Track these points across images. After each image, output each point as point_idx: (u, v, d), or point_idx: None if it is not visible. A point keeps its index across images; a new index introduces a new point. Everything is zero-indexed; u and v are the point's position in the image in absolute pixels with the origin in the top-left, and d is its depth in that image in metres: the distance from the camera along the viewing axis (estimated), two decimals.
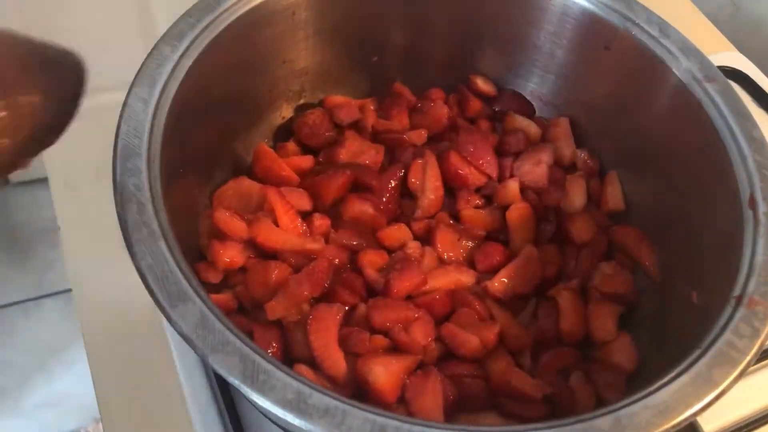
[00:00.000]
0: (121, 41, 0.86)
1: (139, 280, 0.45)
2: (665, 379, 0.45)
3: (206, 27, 0.58)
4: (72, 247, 0.73)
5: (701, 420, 0.63)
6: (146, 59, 0.55)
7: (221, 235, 0.60)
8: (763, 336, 0.47)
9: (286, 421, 0.42)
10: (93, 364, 0.66)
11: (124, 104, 0.53)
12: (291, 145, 0.71)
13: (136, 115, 0.52)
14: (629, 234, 0.67)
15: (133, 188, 0.49)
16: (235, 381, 0.42)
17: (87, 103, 0.87)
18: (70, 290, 0.71)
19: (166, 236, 0.47)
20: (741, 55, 0.96)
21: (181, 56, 0.56)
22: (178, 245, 0.47)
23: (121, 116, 0.52)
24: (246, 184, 0.65)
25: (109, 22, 0.93)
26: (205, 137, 0.62)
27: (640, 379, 0.58)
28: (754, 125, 0.58)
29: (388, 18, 0.72)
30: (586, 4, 0.66)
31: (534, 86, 0.76)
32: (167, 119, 0.53)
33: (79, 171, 0.77)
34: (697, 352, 0.46)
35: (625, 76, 0.67)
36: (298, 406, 0.41)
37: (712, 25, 1.03)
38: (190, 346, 0.43)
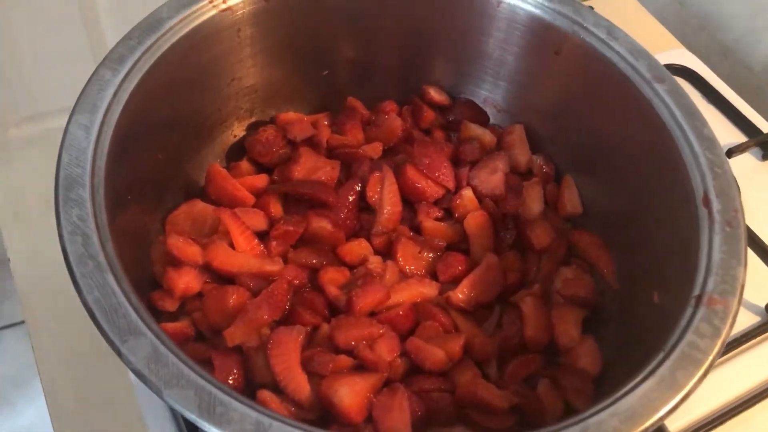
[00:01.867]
0: (70, 63, 0.83)
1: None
2: (630, 385, 0.45)
3: (148, 48, 0.57)
4: (23, 278, 0.71)
5: (667, 420, 0.62)
6: (86, 85, 0.54)
7: (176, 262, 0.59)
8: (724, 335, 0.47)
9: None
10: (49, 397, 0.64)
11: (65, 132, 0.51)
12: (244, 164, 0.70)
13: (77, 143, 0.50)
14: (587, 240, 0.67)
15: (77, 220, 0.47)
16: (191, 415, 0.40)
17: (36, 128, 0.85)
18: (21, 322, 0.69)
19: (114, 268, 0.45)
20: (689, 52, 0.98)
21: (123, 80, 0.55)
22: (126, 277, 0.46)
23: (62, 145, 0.50)
24: (199, 207, 0.64)
25: (57, 44, 0.91)
26: (153, 161, 0.60)
27: (606, 382, 0.58)
28: (704, 123, 0.58)
29: (335, 31, 0.71)
30: (534, 10, 0.67)
31: (486, 93, 0.76)
32: (111, 145, 0.52)
33: (28, 201, 0.75)
34: (660, 355, 0.46)
35: (576, 80, 0.68)
36: None
37: (659, 23, 1.04)
38: (143, 381, 0.41)
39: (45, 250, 0.67)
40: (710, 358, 0.46)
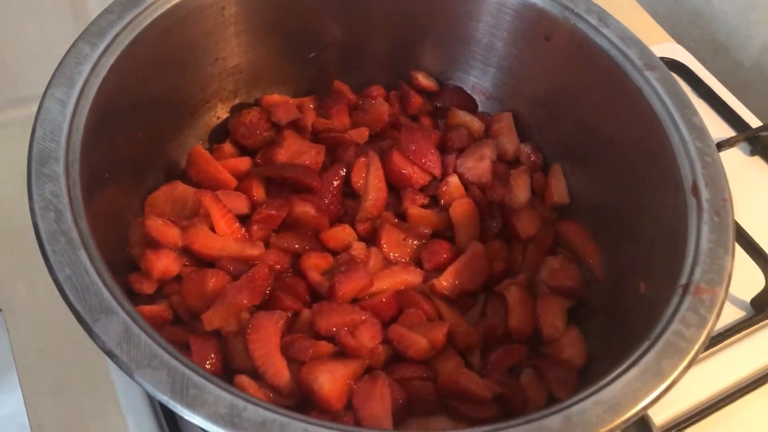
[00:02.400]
0: (56, 48, 0.82)
1: None
2: (615, 374, 0.44)
3: (129, 23, 0.55)
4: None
5: (651, 412, 0.62)
6: (63, 58, 0.52)
7: (154, 244, 0.57)
8: (710, 324, 0.46)
9: None
10: (25, 387, 0.62)
11: (40, 106, 0.49)
12: (227, 147, 0.68)
13: (52, 117, 0.49)
14: (573, 230, 0.66)
15: (50, 195, 0.45)
16: (163, 397, 0.39)
17: (19, 113, 0.83)
18: None
19: (87, 245, 0.44)
20: (679, 46, 0.97)
21: (102, 54, 0.53)
22: (101, 256, 0.44)
23: (36, 119, 0.49)
24: (180, 188, 0.62)
25: (43, 28, 0.88)
26: (132, 140, 0.59)
27: (590, 372, 0.57)
28: (694, 112, 0.57)
29: (324, 12, 0.70)
30: None
31: (475, 80, 0.75)
32: (88, 121, 0.50)
33: (6, 183, 0.73)
34: (646, 344, 0.45)
35: (566, 67, 0.67)
36: (231, 421, 0.39)
37: (651, 18, 1.04)
38: (114, 361, 0.40)
39: (22, 233, 0.65)
40: (696, 347, 0.45)
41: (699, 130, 0.56)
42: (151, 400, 0.60)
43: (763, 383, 0.67)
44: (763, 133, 0.86)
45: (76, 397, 0.62)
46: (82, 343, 0.62)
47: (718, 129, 0.89)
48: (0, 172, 0.73)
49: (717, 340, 0.68)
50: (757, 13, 1.01)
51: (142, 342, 0.41)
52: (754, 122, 0.89)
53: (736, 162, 0.86)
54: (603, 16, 0.63)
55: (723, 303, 0.47)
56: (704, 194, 0.53)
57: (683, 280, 0.49)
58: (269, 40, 0.69)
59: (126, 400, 0.60)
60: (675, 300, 0.48)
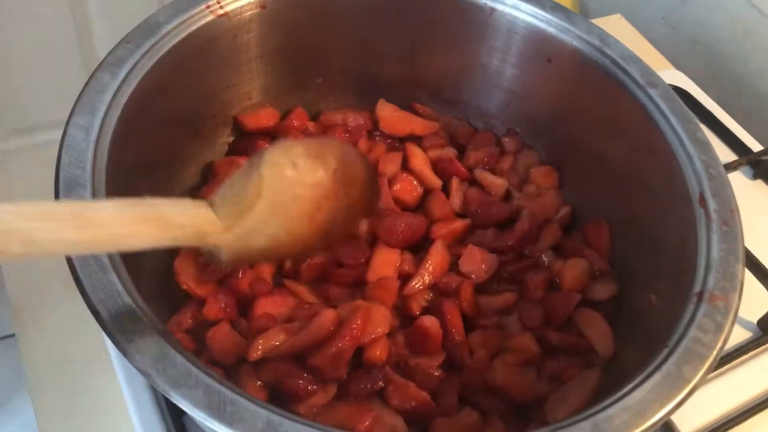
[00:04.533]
0: (62, 78, 0.83)
1: (86, 320, 0.43)
2: (638, 380, 0.45)
3: (146, 52, 0.57)
4: (16, 288, 0.69)
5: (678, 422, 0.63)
6: (85, 87, 0.53)
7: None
8: (726, 330, 0.47)
9: None
10: (38, 409, 0.62)
11: (64, 134, 0.50)
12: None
13: (77, 144, 0.50)
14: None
15: None
16: (201, 414, 0.39)
17: (25, 142, 0.84)
18: (12, 335, 0.67)
19: (117, 269, 0.45)
20: (680, 72, 0.99)
21: (122, 83, 0.54)
22: (130, 277, 0.45)
23: (61, 147, 0.50)
24: None
25: (50, 57, 0.89)
26: (152, 163, 0.60)
27: (612, 377, 0.58)
28: (697, 127, 0.59)
29: (332, 38, 0.71)
30: (526, 18, 0.67)
31: (481, 103, 0.76)
32: (111, 147, 0.51)
33: None
34: (665, 351, 0.46)
35: (569, 87, 0.68)
36: None
37: (652, 46, 1.06)
38: (150, 381, 0.41)
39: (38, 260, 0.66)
40: (714, 352, 0.46)
41: (703, 145, 0.58)
42: (166, 423, 0.60)
43: None
44: (765, 157, 0.87)
45: (88, 418, 0.62)
46: (95, 366, 0.64)
47: (720, 153, 0.87)
48: (9, 197, 0.73)
49: (725, 360, 0.69)
50: (754, 41, 1.03)
51: (177, 362, 0.41)
52: (755, 146, 0.91)
53: (739, 185, 0.84)
54: (603, 36, 0.65)
55: (737, 310, 0.49)
56: (712, 205, 0.54)
57: (697, 289, 0.50)
58: (279, 67, 0.70)
59: (140, 424, 0.60)
60: (690, 308, 0.49)
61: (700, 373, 0.45)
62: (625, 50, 0.64)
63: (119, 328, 0.42)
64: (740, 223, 0.53)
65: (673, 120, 0.59)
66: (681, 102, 0.61)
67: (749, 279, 0.73)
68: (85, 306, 0.43)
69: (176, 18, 0.59)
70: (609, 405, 0.43)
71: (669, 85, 0.91)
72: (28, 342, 0.65)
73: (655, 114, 0.60)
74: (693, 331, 0.47)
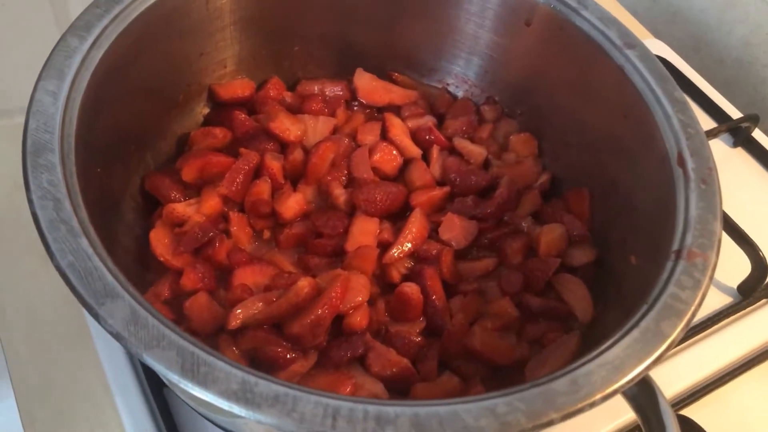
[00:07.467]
0: (41, 59, 0.82)
1: (61, 289, 0.42)
2: (616, 336, 0.45)
3: (115, 17, 0.56)
4: None
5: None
6: (52, 52, 0.52)
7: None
8: (704, 286, 0.47)
9: (229, 416, 0.39)
10: (20, 397, 0.61)
11: (31, 99, 0.49)
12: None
13: (45, 109, 0.49)
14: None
15: (47, 185, 0.45)
16: (174, 376, 0.39)
17: (7, 122, 0.82)
18: None
19: (87, 233, 0.44)
20: (661, 42, 0.99)
21: (91, 47, 0.53)
22: (101, 241, 0.44)
23: (28, 111, 0.48)
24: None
25: (27, 43, 0.88)
26: (125, 129, 0.60)
27: (591, 338, 0.57)
28: (675, 87, 0.59)
29: (308, 5, 0.70)
30: None
31: (459, 69, 0.76)
32: (80, 112, 0.50)
33: None
34: (644, 307, 0.46)
35: (548, 51, 0.68)
36: (244, 396, 0.39)
37: (633, 17, 1.06)
38: (122, 344, 0.40)
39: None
40: (692, 308, 0.46)
41: (681, 104, 0.57)
42: (150, 405, 0.60)
43: (752, 366, 0.69)
44: (745, 124, 0.88)
45: (69, 397, 0.61)
46: (77, 351, 0.63)
47: (701, 121, 0.89)
48: None
49: (706, 325, 0.70)
50: (736, 11, 1.03)
51: (149, 323, 0.40)
52: (735, 114, 0.91)
53: (719, 153, 0.85)
54: None
55: (715, 266, 0.49)
56: (690, 164, 0.54)
57: (675, 246, 0.50)
58: (253, 34, 0.69)
59: (124, 407, 0.60)
60: (669, 265, 0.49)
61: (678, 329, 0.45)
62: (603, 12, 0.64)
63: (90, 291, 0.41)
64: (718, 181, 0.53)
65: (651, 80, 0.59)
66: (659, 62, 0.60)
67: (729, 245, 0.74)
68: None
69: None
70: (587, 361, 0.43)
71: None
72: (6, 325, 0.64)
73: (632, 75, 0.60)
74: (671, 288, 0.47)
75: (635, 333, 0.45)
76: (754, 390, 0.68)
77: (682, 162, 0.54)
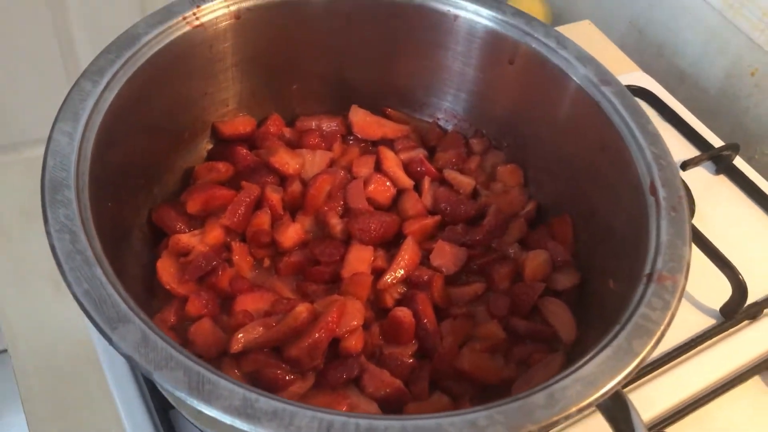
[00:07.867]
0: (47, 96, 0.86)
1: (75, 324, 0.46)
2: (591, 354, 0.48)
3: (126, 62, 0.60)
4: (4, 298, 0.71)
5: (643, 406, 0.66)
6: (68, 95, 0.56)
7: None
8: (673, 307, 0.51)
9: None
10: (29, 414, 0.64)
11: (49, 139, 0.53)
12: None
13: (61, 148, 0.53)
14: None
15: (64, 219, 0.49)
16: (182, 393, 0.42)
17: (11, 158, 0.86)
18: (4, 351, 0.70)
19: (101, 262, 0.48)
20: (647, 75, 1.04)
21: (103, 90, 0.57)
22: (114, 270, 0.48)
23: (46, 150, 0.52)
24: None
25: (35, 77, 0.92)
26: (134, 165, 0.63)
27: (573, 356, 0.61)
28: (648, 120, 0.63)
29: (307, 46, 0.75)
30: (488, 23, 0.71)
31: (448, 105, 0.80)
32: (93, 150, 0.54)
33: (9, 225, 0.76)
34: (617, 328, 0.50)
35: (529, 87, 0.72)
36: (246, 412, 0.42)
37: (620, 50, 1.11)
38: (134, 365, 0.43)
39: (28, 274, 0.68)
40: (662, 327, 0.49)
41: (653, 137, 0.61)
42: (157, 427, 0.63)
43: (734, 386, 0.72)
44: (726, 152, 0.91)
45: (79, 419, 0.64)
46: (87, 377, 0.66)
47: (684, 150, 0.94)
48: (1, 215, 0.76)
49: (690, 346, 0.73)
50: (718, 43, 1.07)
51: (158, 346, 0.44)
52: (718, 143, 0.94)
53: (702, 180, 0.91)
54: (561, 39, 0.69)
55: (683, 288, 0.52)
56: (661, 193, 0.58)
57: (647, 270, 0.53)
58: (254, 74, 0.73)
59: (132, 428, 0.63)
60: (641, 288, 0.52)
61: (648, 347, 0.48)
62: (580, 51, 0.68)
63: (104, 317, 0.45)
64: (687, 208, 0.57)
65: (626, 115, 0.63)
66: (633, 98, 0.64)
67: (711, 269, 0.77)
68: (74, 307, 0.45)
69: (154, 29, 0.63)
70: (564, 377, 0.46)
71: (636, 87, 0.98)
72: (18, 352, 0.67)
73: (608, 110, 0.64)
74: (642, 309, 0.51)
75: (608, 351, 0.48)
76: (737, 409, 0.71)
77: (654, 191, 0.58)
